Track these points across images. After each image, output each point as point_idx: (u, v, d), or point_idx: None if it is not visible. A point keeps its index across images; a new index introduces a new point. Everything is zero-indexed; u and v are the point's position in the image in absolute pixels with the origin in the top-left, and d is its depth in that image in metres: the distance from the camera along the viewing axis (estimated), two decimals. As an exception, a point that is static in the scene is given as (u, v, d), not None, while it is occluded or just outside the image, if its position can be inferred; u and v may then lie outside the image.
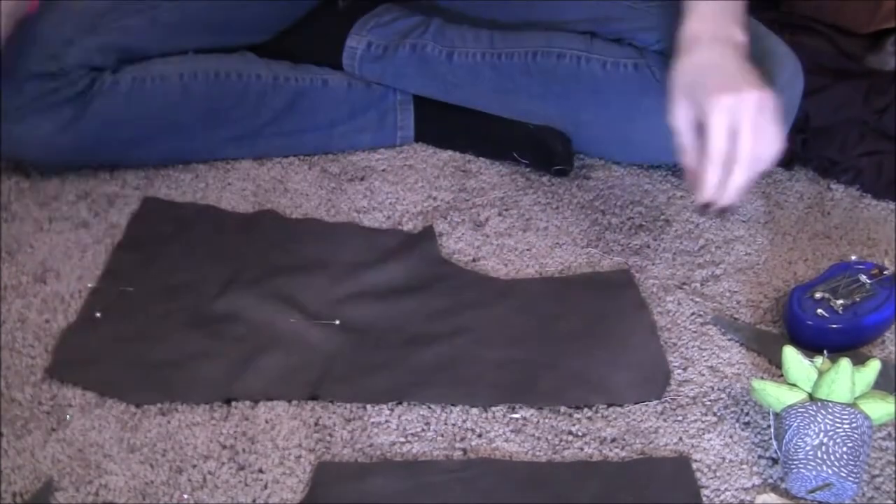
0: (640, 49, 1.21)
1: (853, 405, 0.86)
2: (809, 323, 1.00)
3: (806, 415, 0.86)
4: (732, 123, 0.96)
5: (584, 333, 1.03)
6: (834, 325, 1.00)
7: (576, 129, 1.28)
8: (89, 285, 1.09)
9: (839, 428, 0.85)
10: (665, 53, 1.18)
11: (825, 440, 0.84)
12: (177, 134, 1.30)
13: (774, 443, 0.89)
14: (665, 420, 0.95)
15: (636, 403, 0.96)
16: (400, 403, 0.97)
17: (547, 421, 0.95)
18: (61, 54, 1.22)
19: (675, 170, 1.29)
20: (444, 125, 1.35)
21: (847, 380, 0.86)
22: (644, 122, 1.22)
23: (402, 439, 0.93)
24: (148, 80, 1.27)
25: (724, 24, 1.04)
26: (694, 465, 0.89)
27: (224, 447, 0.93)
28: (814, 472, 0.84)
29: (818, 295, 1.02)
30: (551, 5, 1.27)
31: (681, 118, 1.01)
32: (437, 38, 1.31)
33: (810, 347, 0.97)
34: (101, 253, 1.17)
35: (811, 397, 0.88)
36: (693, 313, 1.07)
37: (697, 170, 0.99)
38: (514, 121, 1.30)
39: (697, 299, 1.09)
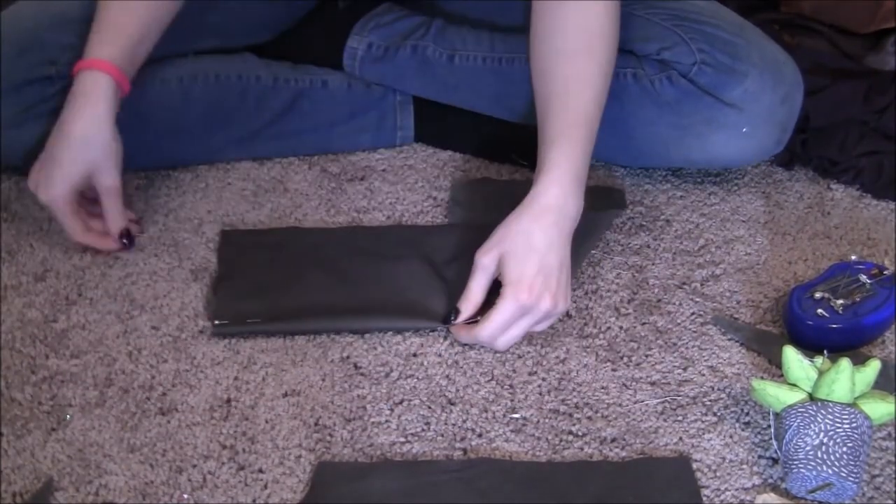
0: (639, 56, 1.21)
1: (853, 405, 0.86)
2: (809, 323, 1.00)
3: (806, 415, 0.86)
4: (516, 318, 0.99)
5: None
6: (834, 325, 1.00)
7: None
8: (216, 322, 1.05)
9: (839, 428, 0.85)
10: (665, 62, 1.18)
11: (825, 440, 0.84)
12: (177, 137, 1.30)
13: (774, 443, 0.89)
14: (665, 420, 0.95)
15: None
16: (400, 403, 0.97)
17: (547, 421, 0.95)
18: (60, 59, 1.22)
19: (675, 170, 1.29)
20: (444, 126, 1.35)
21: (847, 380, 0.86)
22: (642, 131, 1.22)
23: (402, 439, 0.93)
24: (147, 84, 1.27)
25: (575, 196, 1.02)
26: (694, 465, 0.89)
27: (224, 447, 0.93)
28: (814, 472, 0.84)
29: (818, 295, 1.02)
30: None
31: (481, 277, 1.02)
32: (438, 40, 1.31)
33: (810, 347, 0.97)
34: (101, 253, 1.17)
35: (811, 397, 0.88)
36: (693, 313, 1.07)
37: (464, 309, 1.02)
38: (513, 122, 1.30)
39: (697, 299, 1.09)
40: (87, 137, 1.06)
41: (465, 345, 1.03)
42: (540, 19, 1.10)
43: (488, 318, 1.00)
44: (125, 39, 1.10)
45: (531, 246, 1.00)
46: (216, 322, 1.05)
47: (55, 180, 1.06)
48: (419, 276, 1.09)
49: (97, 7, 1.12)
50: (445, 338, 1.04)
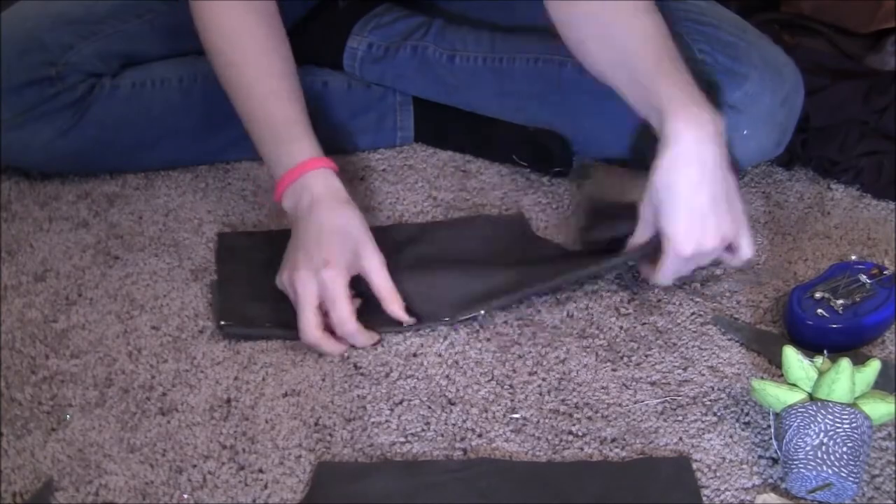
0: None
1: (853, 405, 0.86)
2: (809, 323, 1.00)
3: (806, 415, 0.86)
4: (685, 264, 1.03)
5: None
6: (834, 325, 1.00)
7: (576, 134, 1.28)
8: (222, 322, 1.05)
9: (839, 428, 0.85)
10: None
11: (825, 440, 0.84)
12: (177, 138, 1.30)
13: (774, 443, 0.89)
14: (665, 420, 0.95)
15: None
16: (400, 403, 0.97)
17: (547, 421, 0.95)
18: (60, 60, 1.22)
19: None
20: (444, 126, 1.35)
21: (847, 380, 0.86)
22: (643, 131, 1.22)
23: (402, 439, 0.93)
24: (147, 85, 1.27)
25: (704, 115, 1.00)
26: (694, 465, 0.89)
27: (224, 447, 0.93)
28: (814, 472, 0.84)
29: (818, 295, 1.02)
30: None
31: (643, 231, 1.04)
32: (438, 41, 1.31)
33: (810, 347, 0.97)
34: (101, 253, 1.17)
35: (811, 397, 0.88)
36: (693, 313, 1.07)
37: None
38: (513, 122, 1.30)
39: (697, 299, 1.09)
40: (343, 228, 1.03)
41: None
42: (574, 28, 1.10)
43: (660, 268, 1.03)
44: (310, 129, 1.10)
45: (676, 195, 0.99)
46: (222, 322, 1.05)
47: (331, 266, 1.00)
48: (420, 274, 1.09)
49: (257, 104, 1.10)
50: (445, 338, 1.04)
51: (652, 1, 1.08)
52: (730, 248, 1.04)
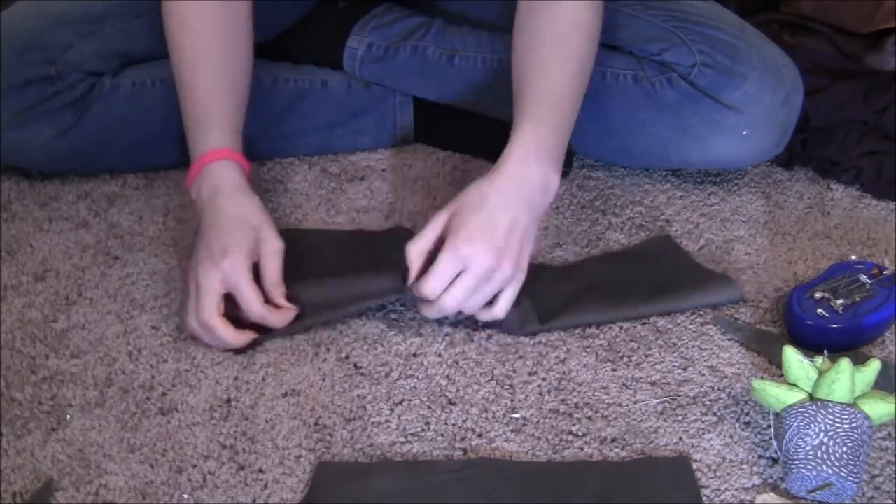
0: (640, 58, 1.21)
1: (853, 405, 0.86)
2: (809, 323, 1.00)
3: (806, 415, 0.86)
4: (456, 271, 0.96)
5: None
6: (834, 325, 1.00)
7: (575, 135, 1.28)
8: None
9: (839, 428, 0.85)
10: (666, 64, 1.18)
11: (825, 440, 0.84)
12: (177, 138, 1.30)
13: (774, 443, 0.89)
14: (665, 420, 0.95)
15: None
16: (400, 403, 0.97)
17: (547, 421, 0.95)
18: (60, 59, 1.22)
19: (675, 170, 1.29)
20: (444, 127, 1.35)
21: (847, 380, 0.86)
22: (642, 133, 1.22)
23: (402, 439, 0.93)
24: (148, 84, 1.27)
25: (539, 165, 1.01)
26: (694, 465, 0.89)
27: (224, 447, 0.93)
28: (814, 472, 0.84)
29: (818, 295, 1.02)
30: None
31: (430, 230, 0.99)
32: (438, 41, 1.31)
33: (810, 347, 0.97)
34: (101, 253, 1.17)
35: (811, 397, 0.88)
36: (693, 313, 1.07)
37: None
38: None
39: (697, 299, 1.09)
40: (242, 215, 1.03)
41: (422, 305, 1.01)
42: (519, 12, 1.10)
43: (429, 272, 0.97)
44: (232, 125, 1.10)
45: (482, 204, 0.97)
46: None
47: (231, 254, 0.99)
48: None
49: (189, 92, 1.10)
50: (445, 338, 1.04)
51: (593, 16, 1.09)
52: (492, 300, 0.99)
